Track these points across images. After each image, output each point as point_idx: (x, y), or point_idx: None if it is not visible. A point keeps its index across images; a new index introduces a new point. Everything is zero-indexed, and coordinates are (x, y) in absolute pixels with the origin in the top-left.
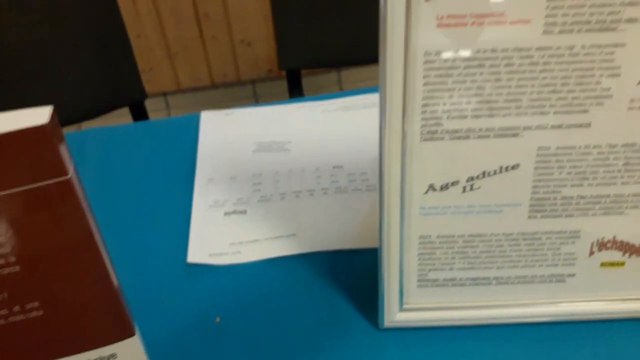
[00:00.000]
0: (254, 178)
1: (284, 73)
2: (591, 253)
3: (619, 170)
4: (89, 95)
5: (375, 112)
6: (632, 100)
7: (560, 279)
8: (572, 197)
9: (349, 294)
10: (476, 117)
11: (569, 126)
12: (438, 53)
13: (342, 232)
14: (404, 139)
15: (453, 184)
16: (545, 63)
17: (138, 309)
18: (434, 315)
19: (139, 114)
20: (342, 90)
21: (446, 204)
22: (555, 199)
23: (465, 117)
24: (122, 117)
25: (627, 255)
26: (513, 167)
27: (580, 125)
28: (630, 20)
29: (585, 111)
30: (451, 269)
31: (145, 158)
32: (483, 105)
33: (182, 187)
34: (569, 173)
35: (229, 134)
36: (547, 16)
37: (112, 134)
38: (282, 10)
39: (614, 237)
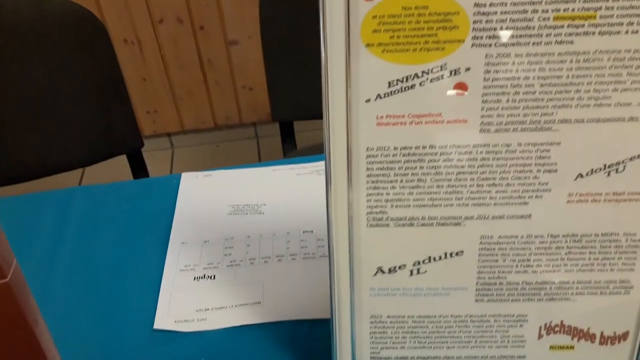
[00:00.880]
0: (226, 242)
1: None
2: (540, 336)
3: (562, 259)
4: (88, 143)
5: None
6: (570, 194)
7: None
8: (517, 283)
9: None
10: (419, 206)
11: (510, 217)
12: (379, 149)
13: (306, 302)
14: (351, 225)
15: (400, 267)
16: (483, 159)
17: None
18: None
19: (137, 160)
20: None
21: (395, 286)
22: (501, 284)
23: (408, 206)
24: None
25: (575, 339)
26: (457, 254)
27: (521, 217)
28: (564, 121)
29: (525, 203)
30: (403, 348)
31: (124, 218)
32: (425, 195)
33: (157, 249)
34: (513, 260)
35: (206, 195)
36: (482, 116)
37: (96, 193)
38: (274, 64)
39: (562, 322)
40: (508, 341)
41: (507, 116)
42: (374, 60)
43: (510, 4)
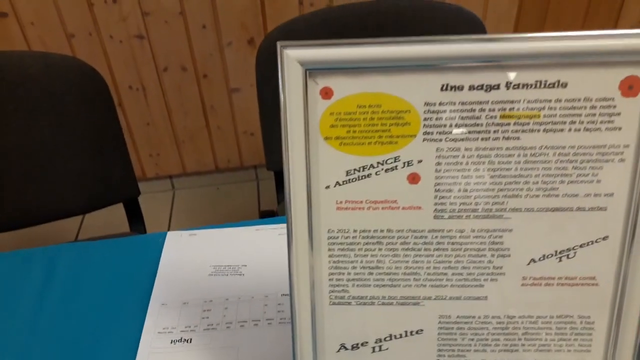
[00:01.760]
0: (204, 304)
1: None
2: None
3: (519, 339)
4: (86, 191)
5: None
6: (524, 278)
7: None
8: None
9: None
10: (379, 286)
11: (467, 298)
12: (340, 231)
13: None
14: (314, 303)
15: (363, 344)
16: (438, 243)
17: None
18: None
19: (133, 208)
20: None
21: None
22: None
23: (368, 285)
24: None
25: None
26: (417, 332)
27: (478, 298)
28: (514, 210)
29: (481, 286)
30: None
31: (108, 277)
32: (384, 276)
33: (138, 309)
34: (472, 339)
35: (189, 255)
36: (435, 204)
37: (82, 251)
38: (269, 117)
39: None
40: None
41: (460, 204)
42: (332, 151)
43: (459, 103)
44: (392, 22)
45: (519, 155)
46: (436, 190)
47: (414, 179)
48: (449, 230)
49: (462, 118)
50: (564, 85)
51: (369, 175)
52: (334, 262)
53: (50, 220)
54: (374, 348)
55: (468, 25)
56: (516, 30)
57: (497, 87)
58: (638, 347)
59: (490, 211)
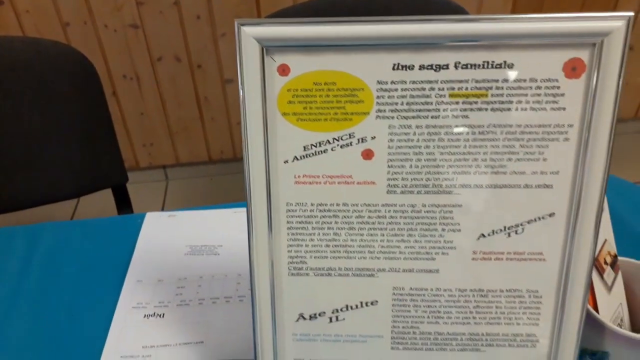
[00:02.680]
0: (179, 282)
1: None
2: None
3: (471, 312)
4: (74, 177)
5: None
6: (474, 252)
7: None
8: (429, 333)
9: None
10: (335, 258)
11: (419, 271)
12: (297, 204)
13: (247, 343)
14: (273, 274)
15: (320, 314)
16: (391, 217)
17: None
18: None
19: (121, 194)
20: None
21: (316, 331)
22: (414, 333)
23: (325, 257)
24: (110, 198)
25: None
26: (372, 303)
27: (430, 271)
28: (464, 186)
29: (432, 259)
30: None
31: (87, 255)
32: (340, 248)
33: (114, 286)
34: (424, 311)
35: (167, 235)
36: (388, 179)
37: (63, 229)
38: None
39: None
40: None
41: (412, 180)
42: (290, 127)
43: (410, 82)
44: (382, 14)
45: (467, 133)
46: (389, 167)
47: (367, 155)
48: (401, 205)
49: (413, 96)
50: (510, 66)
51: (325, 151)
52: (293, 234)
53: (39, 205)
54: (331, 318)
55: None
56: None
57: (446, 66)
58: (583, 320)
59: (441, 187)
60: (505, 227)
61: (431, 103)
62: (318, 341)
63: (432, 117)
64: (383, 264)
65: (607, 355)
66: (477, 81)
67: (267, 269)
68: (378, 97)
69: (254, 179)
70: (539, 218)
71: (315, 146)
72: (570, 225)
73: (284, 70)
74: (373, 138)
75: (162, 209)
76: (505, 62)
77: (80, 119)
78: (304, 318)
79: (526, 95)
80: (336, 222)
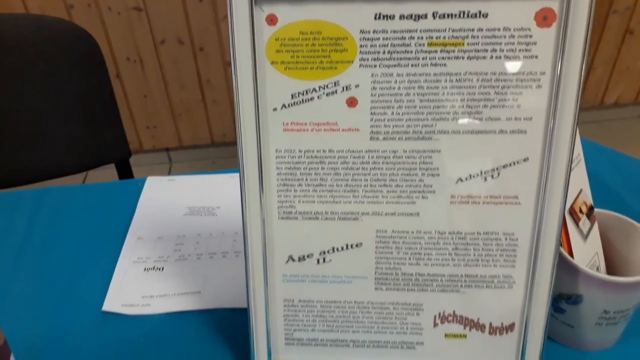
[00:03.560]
0: (178, 239)
1: None
2: (435, 324)
3: (450, 254)
4: (79, 151)
5: None
6: (452, 196)
7: (410, 346)
8: (411, 274)
9: (236, 349)
10: (322, 202)
11: (401, 214)
12: (286, 151)
13: (242, 292)
14: (263, 217)
15: (308, 256)
16: (374, 162)
17: (52, 348)
18: None
19: (124, 169)
20: None
21: (304, 273)
22: (397, 274)
23: (313, 202)
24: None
25: (467, 328)
26: (357, 245)
27: (410, 214)
28: (442, 132)
29: (413, 203)
30: (313, 330)
31: (90, 216)
32: (327, 193)
33: (115, 242)
34: (406, 253)
35: (167, 198)
36: (372, 126)
37: (67, 193)
38: None
39: (454, 312)
40: (407, 328)
41: (393, 126)
42: (278, 75)
43: (391, 31)
44: None
45: (445, 81)
46: (372, 114)
47: (352, 102)
48: (383, 150)
49: (394, 45)
50: (485, 15)
51: (311, 99)
52: (282, 179)
53: (43, 180)
54: (318, 260)
55: None
56: None
57: (425, 16)
58: (556, 261)
59: (421, 133)
60: (481, 172)
61: (411, 52)
62: (306, 282)
63: (412, 66)
64: (367, 208)
65: (581, 298)
66: (454, 30)
67: (258, 212)
68: (361, 46)
69: (245, 126)
70: (514, 163)
71: (302, 94)
72: (543, 169)
73: (272, 20)
74: (357, 86)
75: None
76: (480, 11)
77: (84, 94)
78: (293, 260)
79: (500, 44)
80: (322, 168)
